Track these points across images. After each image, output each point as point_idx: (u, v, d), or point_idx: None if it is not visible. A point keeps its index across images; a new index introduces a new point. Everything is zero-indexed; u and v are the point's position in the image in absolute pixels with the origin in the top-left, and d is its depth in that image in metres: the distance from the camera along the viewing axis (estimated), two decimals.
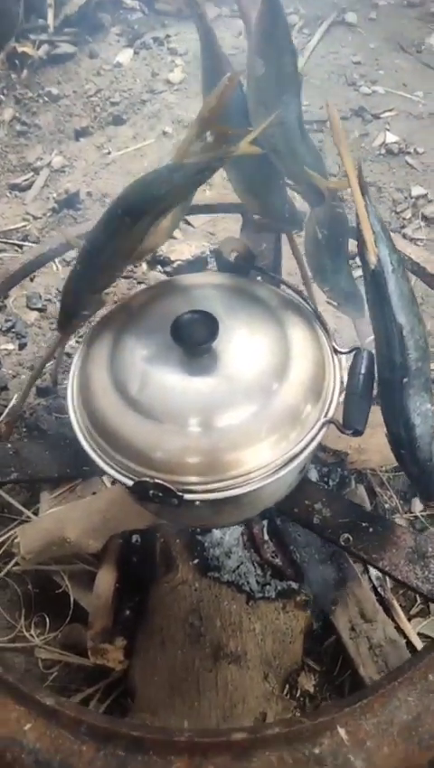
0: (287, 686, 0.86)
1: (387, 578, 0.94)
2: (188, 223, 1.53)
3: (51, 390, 1.25)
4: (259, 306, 0.68)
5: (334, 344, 0.68)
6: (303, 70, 1.86)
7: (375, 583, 0.94)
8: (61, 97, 1.98)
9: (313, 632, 0.90)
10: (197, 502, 0.59)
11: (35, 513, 1.04)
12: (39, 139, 1.89)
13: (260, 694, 0.79)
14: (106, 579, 0.89)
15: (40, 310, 1.42)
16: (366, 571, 0.95)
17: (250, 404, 0.60)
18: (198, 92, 1.96)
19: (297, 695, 0.88)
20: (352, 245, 0.75)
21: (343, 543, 0.68)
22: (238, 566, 0.88)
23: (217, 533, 0.89)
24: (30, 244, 1.56)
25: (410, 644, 0.90)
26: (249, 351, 0.64)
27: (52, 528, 0.92)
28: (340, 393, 0.65)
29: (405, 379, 0.59)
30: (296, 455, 0.60)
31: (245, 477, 0.58)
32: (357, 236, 0.57)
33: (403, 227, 1.50)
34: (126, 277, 1.45)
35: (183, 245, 1.47)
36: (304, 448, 0.60)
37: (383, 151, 1.66)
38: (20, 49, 2.04)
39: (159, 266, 1.46)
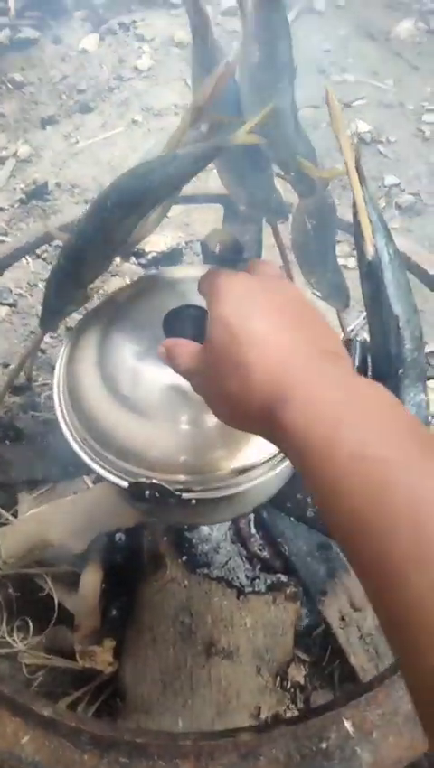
0: (279, 678, 0.86)
1: None
2: None
3: (25, 387, 1.21)
4: None
5: None
6: None
7: None
8: (25, 84, 1.92)
9: (302, 624, 0.90)
10: (193, 501, 0.58)
11: (14, 515, 1.00)
12: (3, 128, 1.83)
13: (254, 688, 0.79)
14: (91, 580, 0.87)
15: (11, 305, 1.38)
16: None
17: None
18: (168, 79, 1.95)
19: (288, 686, 0.88)
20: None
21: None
22: (227, 562, 0.87)
23: (205, 529, 0.88)
24: None
25: None
26: None
27: (34, 530, 0.90)
28: None
29: (401, 371, 0.59)
30: None
31: (243, 474, 0.57)
32: (354, 226, 0.56)
33: None
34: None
35: (157, 236, 1.45)
36: None
37: (355, 140, 1.67)
38: None
39: (133, 258, 1.43)
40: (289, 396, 0.38)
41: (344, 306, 0.86)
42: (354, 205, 0.54)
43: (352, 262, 1.42)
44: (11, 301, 1.38)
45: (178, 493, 0.55)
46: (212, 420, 0.58)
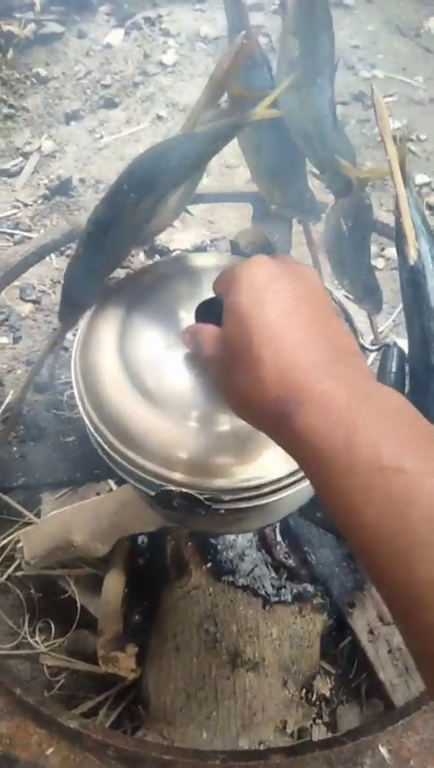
0: (304, 690, 0.84)
1: None
2: (187, 211, 1.49)
3: (48, 386, 1.20)
4: None
5: (361, 341, 0.65)
6: None
7: None
8: (49, 78, 1.91)
9: (327, 634, 0.88)
10: (222, 510, 0.56)
11: (37, 516, 1.00)
12: (27, 122, 1.82)
13: (280, 701, 0.77)
14: (114, 584, 0.86)
15: (34, 302, 1.37)
16: None
17: None
18: (193, 75, 1.92)
19: (313, 699, 0.86)
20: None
21: None
22: (252, 569, 0.85)
23: (230, 535, 0.87)
24: (22, 232, 1.51)
25: None
26: None
27: (58, 531, 0.89)
28: None
29: None
30: None
31: (276, 485, 0.55)
32: (396, 230, 0.54)
33: None
34: (122, 267, 1.40)
35: (181, 233, 1.43)
36: None
37: (400, 140, 1.63)
38: (5, 28, 1.96)
39: (157, 256, 1.42)
40: (302, 398, 0.36)
41: (376, 310, 0.83)
42: (397, 208, 0.52)
43: (381, 263, 1.39)
44: (34, 298, 1.37)
45: (208, 503, 0.53)
46: (246, 427, 0.56)
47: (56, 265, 1.43)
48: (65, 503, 0.98)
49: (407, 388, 0.63)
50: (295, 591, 0.85)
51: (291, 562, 0.89)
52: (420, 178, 1.54)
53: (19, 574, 0.97)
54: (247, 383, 0.40)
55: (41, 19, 2.02)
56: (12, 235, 1.51)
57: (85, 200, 1.58)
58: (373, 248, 1.39)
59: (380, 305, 0.83)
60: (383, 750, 0.49)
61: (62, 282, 0.68)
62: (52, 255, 1.44)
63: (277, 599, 0.83)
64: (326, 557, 0.90)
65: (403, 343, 0.63)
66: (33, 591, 0.96)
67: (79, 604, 0.89)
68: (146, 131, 1.76)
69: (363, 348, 0.65)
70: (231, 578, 0.83)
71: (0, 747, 0.48)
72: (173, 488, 0.54)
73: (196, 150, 0.50)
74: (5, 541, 0.98)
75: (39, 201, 1.60)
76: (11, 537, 0.98)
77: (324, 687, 0.87)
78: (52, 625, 0.93)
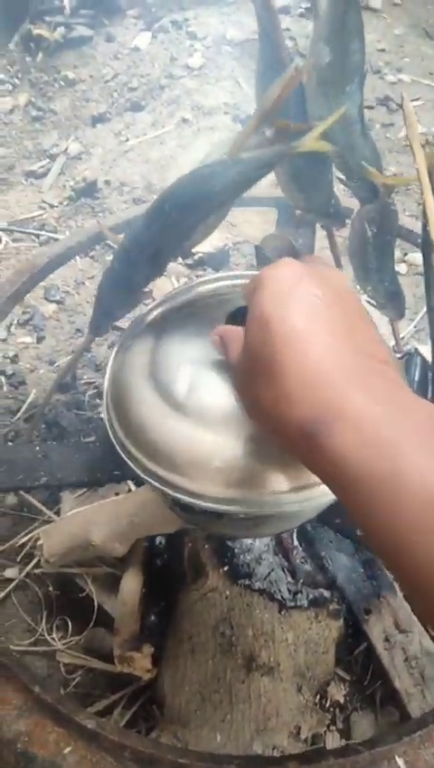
0: (318, 696, 0.84)
1: None
2: None
3: (70, 386, 1.22)
4: None
5: None
6: None
7: None
8: (77, 81, 1.94)
9: (342, 640, 0.87)
10: (241, 515, 0.56)
11: (57, 513, 1.01)
12: (55, 125, 1.85)
13: (295, 707, 0.77)
14: (132, 584, 0.87)
15: (58, 302, 1.39)
16: None
17: None
18: (219, 78, 1.93)
19: (327, 705, 0.86)
20: None
21: None
22: (269, 573, 0.85)
23: (247, 539, 0.87)
24: (47, 233, 1.53)
25: None
26: None
27: (77, 530, 0.90)
28: None
29: None
30: None
31: (299, 493, 0.55)
32: (422, 237, 0.53)
33: None
34: None
35: None
36: None
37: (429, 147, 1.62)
38: (35, 31, 1.99)
39: (180, 258, 1.42)
40: (334, 416, 0.32)
41: (399, 316, 0.83)
42: (424, 215, 0.51)
43: (403, 268, 1.38)
44: (58, 298, 1.39)
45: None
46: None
47: (80, 266, 1.45)
48: (85, 502, 0.99)
49: (430, 396, 0.63)
50: (311, 596, 0.85)
51: (308, 567, 0.89)
52: None
53: (38, 571, 0.98)
54: (270, 396, 0.37)
55: (70, 23, 2.04)
56: (37, 236, 1.53)
57: (110, 202, 1.60)
58: (397, 254, 1.38)
59: (402, 312, 0.82)
60: (400, 761, 0.49)
61: (96, 294, 0.69)
62: (78, 257, 1.46)
63: (293, 604, 0.83)
64: (343, 563, 0.90)
65: (425, 350, 0.62)
66: (51, 588, 0.97)
67: (96, 603, 0.90)
68: (171, 134, 1.77)
69: None
70: (247, 582, 0.83)
71: (19, 745, 0.49)
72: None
73: (241, 176, 0.50)
74: (26, 539, 0.99)
75: (65, 203, 1.62)
76: (31, 534, 1.00)
77: (338, 693, 0.86)
78: (69, 623, 0.94)
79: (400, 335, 1.26)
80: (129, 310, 0.67)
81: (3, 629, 0.95)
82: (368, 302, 0.80)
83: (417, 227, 0.67)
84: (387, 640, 0.85)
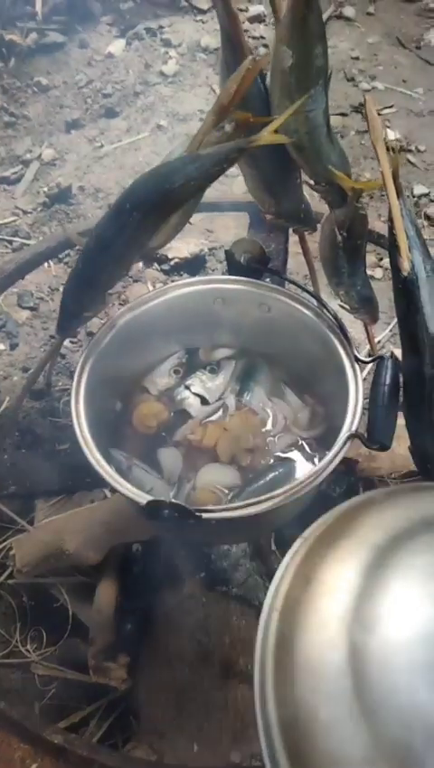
0: None
1: None
2: None
3: (44, 393, 1.20)
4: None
5: (355, 353, 0.65)
6: None
7: None
8: (50, 87, 1.92)
9: None
10: (213, 521, 0.56)
11: (30, 523, 0.99)
12: (28, 131, 1.83)
13: None
14: (107, 593, 0.86)
15: (31, 309, 1.37)
16: None
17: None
18: (193, 85, 1.93)
19: None
20: None
21: None
22: (246, 579, 0.85)
23: (224, 546, 0.86)
24: (21, 240, 1.51)
25: None
26: None
27: (50, 539, 0.88)
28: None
29: None
30: (319, 472, 0.57)
31: (264, 496, 0.55)
32: (388, 241, 0.54)
33: None
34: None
35: (180, 242, 1.43)
36: (327, 465, 0.57)
37: (394, 152, 1.63)
38: (7, 36, 1.97)
39: (156, 264, 1.42)
40: None
41: (373, 320, 0.83)
42: (391, 219, 0.52)
43: (379, 273, 1.39)
44: (32, 305, 1.37)
45: (198, 513, 0.53)
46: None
47: (54, 272, 1.43)
48: (59, 510, 0.97)
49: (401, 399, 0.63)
50: None
51: None
52: (419, 189, 1.54)
53: (11, 582, 0.96)
54: None
55: (43, 28, 2.03)
56: (10, 242, 1.51)
57: (84, 208, 1.58)
58: (372, 258, 1.39)
59: (376, 315, 0.83)
60: None
61: (62, 295, 0.68)
62: (51, 262, 1.45)
63: None
64: None
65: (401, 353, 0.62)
66: (25, 599, 0.95)
67: (70, 613, 0.88)
68: (146, 140, 1.77)
69: (357, 360, 0.65)
70: (224, 588, 0.83)
71: None
72: (162, 498, 0.54)
73: (201, 172, 0.51)
74: None
75: (38, 209, 1.60)
76: (3, 544, 0.98)
77: None
78: (44, 634, 0.92)
79: (377, 339, 1.27)
80: (95, 312, 0.67)
81: None
82: (341, 306, 0.80)
83: None
84: None
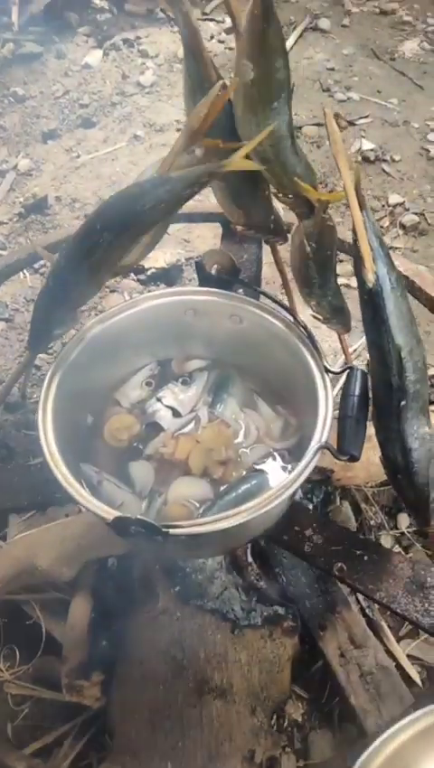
0: (275, 716, 0.83)
1: None
2: None
3: (19, 405, 1.19)
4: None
5: (325, 364, 0.65)
6: None
7: (363, 604, 0.91)
8: (27, 97, 1.92)
9: (299, 657, 0.86)
10: (183, 537, 0.55)
11: (3, 539, 0.97)
12: (4, 141, 1.82)
13: (248, 730, 0.75)
14: (80, 609, 0.84)
15: (6, 320, 1.36)
16: (354, 592, 0.92)
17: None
18: (170, 95, 1.94)
19: (285, 725, 0.84)
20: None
21: (336, 573, 0.64)
22: (222, 592, 0.84)
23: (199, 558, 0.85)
24: None
25: (399, 667, 0.87)
26: None
27: (23, 555, 0.87)
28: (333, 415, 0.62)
29: (403, 402, 0.56)
30: (288, 485, 0.56)
31: (234, 510, 0.54)
32: (353, 252, 0.54)
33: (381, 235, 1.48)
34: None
35: (157, 252, 1.42)
36: (297, 477, 0.56)
37: (359, 158, 1.65)
38: None
39: (133, 275, 1.41)
40: None
41: (345, 329, 0.83)
42: (354, 231, 0.51)
43: (354, 282, 1.40)
44: (6, 316, 1.36)
45: (165, 529, 0.52)
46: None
47: (30, 283, 1.42)
48: (33, 526, 0.95)
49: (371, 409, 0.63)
50: (265, 614, 0.83)
51: (262, 584, 0.88)
52: (394, 198, 1.55)
53: None
54: None
55: (19, 39, 2.03)
56: None
57: (61, 218, 1.58)
58: (348, 267, 1.40)
59: (348, 325, 0.83)
60: None
61: (33, 312, 0.68)
62: (27, 273, 1.44)
63: (246, 622, 0.82)
64: (298, 579, 0.89)
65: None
66: None
67: (44, 630, 0.87)
68: (123, 150, 1.77)
69: (327, 371, 0.65)
70: (199, 602, 0.82)
71: None
72: (128, 515, 0.53)
73: (171, 194, 0.50)
74: None
75: (14, 219, 1.59)
76: None
77: (296, 712, 0.85)
78: (17, 652, 0.90)
79: (353, 348, 1.27)
80: (67, 328, 0.66)
81: None
82: (314, 316, 0.80)
83: None
84: (342, 656, 0.84)
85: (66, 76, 1.98)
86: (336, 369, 0.65)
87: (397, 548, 1.01)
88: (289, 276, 0.88)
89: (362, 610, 0.91)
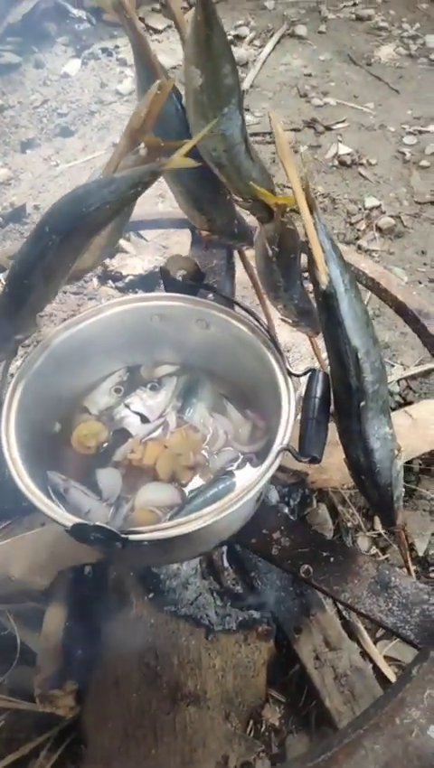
0: (252, 721, 0.82)
1: None
2: (140, 236, 1.49)
3: None
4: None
5: (287, 366, 0.65)
6: (255, 81, 1.85)
7: (340, 606, 0.91)
8: (5, 107, 1.92)
9: (277, 661, 0.86)
10: (144, 542, 0.55)
11: None
12: None
13: (222, 735, 0.75)
14: (55, 618, 0.84)
15: None
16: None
17: None
18: None
19: (262, 729, 0.84)
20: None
21: (303, 575, 0.64)
22: (196, 598, 0.83)
23: (174, 564, 0.85)
24: None
25: (376, 668, 0.87)
26: None
27: None
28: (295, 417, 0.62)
29: (362, 403, 0.57)
30: (250, 488, 0.56)
31: (195, 513, 0.54)
32: (307, 256, 0.54)
33: (358, 238, 1.49)
34: (75, 293, 1.40)
35: (135, 259, 1.43)
36: (259, 479, 0.56)
37: (336, 162, 1.66)
38: None
39: (111, 282, 1.42)
40: None
41: (314, 332, 0.83)
42: (306, 234, 0.52)
43: None
44: None
45: (124, 536, 0.52)
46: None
47: None
48: (8, 536, 0.95)
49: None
50: (240, 618, 0.83)
51: (238, 588, 0.88)
52: (371, 201, 1.57)
53: None
54: None
55: None
56: None
57: None
58: None
59: (317, 328, 0.83)
60: None
61: None
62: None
63: (221, 627, 0.81)
64: (273, 582, 0.89)
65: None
66: None
67: (18, 641, 0.86)
68: (101, 159, 1.77)
69: (289, 374, 0.65)
70: (173, 608, 0.81)
71: None
72: (87, 522, 0.53)
73: (115, 195, 0.51)
74: None
75: None
76: None
77: (273, 716, 0.85)
78: None
79: (324, 353, 1.27)
80: (26, 335, 0.66)
81: None
82: (283, 320, 0.80)
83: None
84: (317, 658, 0.84)
85: (45, 85, 1.98)
86: (299, 371, 0.65)
87: (374, 550, 1.01)
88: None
89: (338, 612, 0.91)
